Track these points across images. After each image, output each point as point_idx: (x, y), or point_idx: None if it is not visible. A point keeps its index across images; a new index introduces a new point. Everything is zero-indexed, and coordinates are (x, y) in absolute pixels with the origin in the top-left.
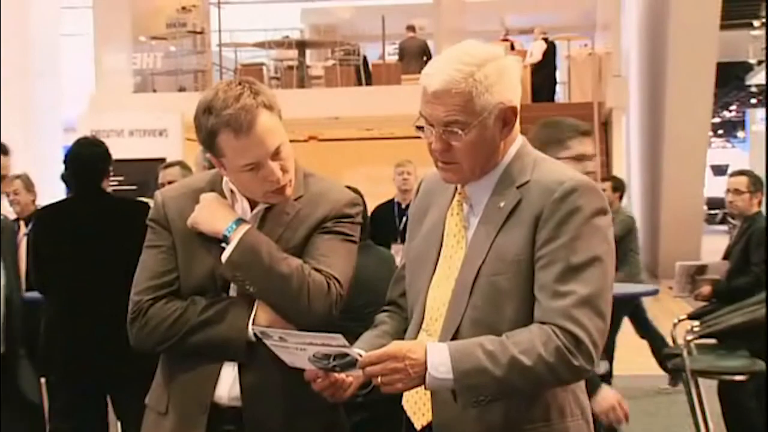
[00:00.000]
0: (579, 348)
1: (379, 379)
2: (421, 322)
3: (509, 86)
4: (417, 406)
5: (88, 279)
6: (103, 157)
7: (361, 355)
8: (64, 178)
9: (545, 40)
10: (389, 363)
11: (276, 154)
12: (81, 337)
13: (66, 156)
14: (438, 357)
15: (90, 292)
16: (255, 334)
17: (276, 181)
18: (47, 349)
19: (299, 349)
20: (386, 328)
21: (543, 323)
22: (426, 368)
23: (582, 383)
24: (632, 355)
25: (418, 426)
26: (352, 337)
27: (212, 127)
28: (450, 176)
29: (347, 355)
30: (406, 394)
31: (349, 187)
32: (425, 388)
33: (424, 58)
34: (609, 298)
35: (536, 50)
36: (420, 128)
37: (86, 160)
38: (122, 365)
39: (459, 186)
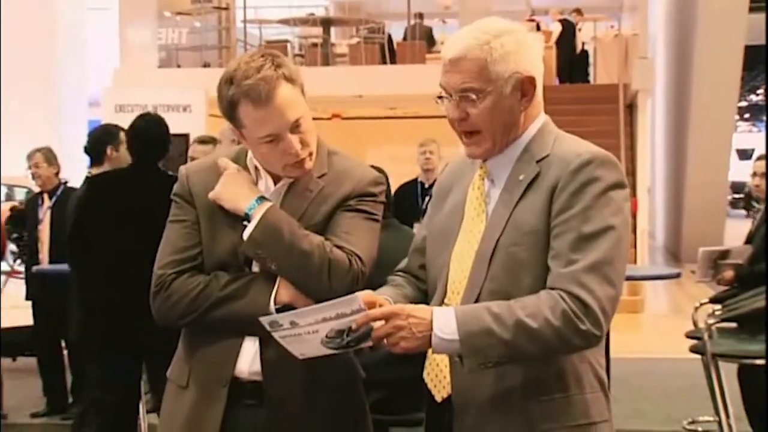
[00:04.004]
0: (586, 312)
1: (386, 340)
2: (444, 296)
3: (527, 57)
4: (438, 379)
5: (131, 250)
6: (166, 137)
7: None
8: (87, 150)
9: (561, 21)
10: (393, 320)
11: (296, 127)
12: (122, 307)
13: (130, 128)
14: (444, 319)
15: (132, 263)
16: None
17: (295, 154)
18: (86, 318)
19: (311, 333)
20: (404, 290)
21: (552, 289)
22: (432, 329)
23: (601, 357)
24: (653, 338)
25: (438, 398)
26: None
27: (232, 98)
28: (473, 150)
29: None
30: (426, 368)
31: (374, 167)
32: (432, 351)
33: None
34: (621, 267)
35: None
36: (440, 98)
37: (151, 137)
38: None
39: (481, 162)
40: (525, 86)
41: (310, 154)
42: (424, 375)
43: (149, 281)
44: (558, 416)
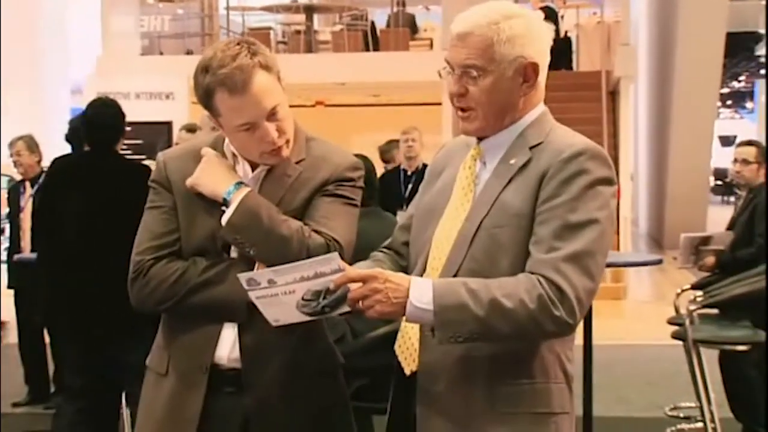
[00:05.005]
0: (562, 299)
1: (360, 303)
2: (423, 272)
3: (533, 43)
4: (408, 352)
5: (92, 236)
6: (117, 118)
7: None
8: (68, 138)
9: (543, 9)
10: (370, 283)
11: (272, 115)
12: (83, 294)
13: (80, 116)
14: (421, 288)
15: (93, 250)
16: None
17: (271, 141)
18: (52, 303)
19: (288, 293)
20: (383, 265)
21: (531, 273)
22: (407, 297)
23: (569, 350)
24: (636, 324)
25: (407, 371)
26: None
27: (208, 86)
28: (467, 125)
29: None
30: (398, 340)
31: (360, 156)
32: (405, 319)
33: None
34: (601, 261)
35: None
36: (443, 71)
37: (100, 121)
38: (123, 325)
39: (475, 143)
40: (527, 72)
41: (287, 142)
42: (395, 347)
43: (108, 264)
44: (520, 402)
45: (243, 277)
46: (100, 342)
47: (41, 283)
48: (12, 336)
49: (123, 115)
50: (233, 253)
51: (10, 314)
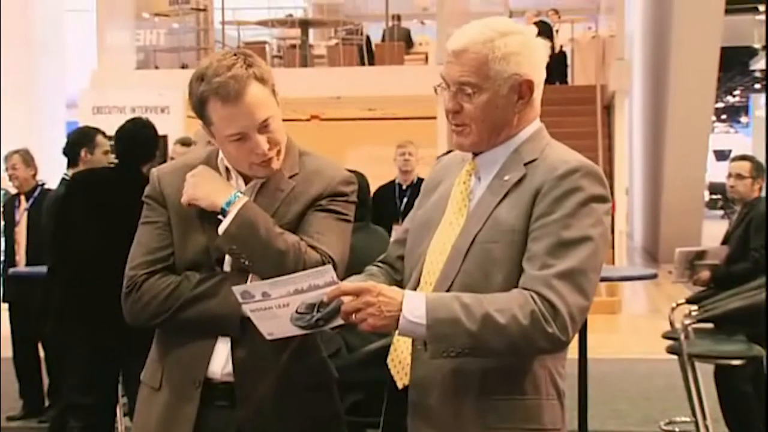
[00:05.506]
0: (555, 316)
1: (353, 316)
2: (417, 286)
3: (529, 61)
4: (401, 365)
5: (108, 251)
6: (151, 140)
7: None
8: (65, 152)
9: (538, 23)
10: (363, 296)
11: (264, 127)
12: (99, 307)
13: (117, 130)
14: (414, 302)
15: (109, 264)
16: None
17: (262, 153)
18: (64, 319)
19: (282, 306)
20: (376, 278)
21: (524, 289)
22: (400, 310)
23: (561, 367)
24: (631, 338)
25: (399, 385)
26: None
27: (202, 95)
28: (461, 140)
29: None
30: (391, 353)
31: (353, 171)
32: (397, 333)
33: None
34: (594, 278)
35: None
36: (439, 87)
37: (134, 139)
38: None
39: (470, 158)
40: (522, 89)
41: (278, 153)
42: (388, 360)
43: (122, 279)
44: (511, 418)
45: (238, 290)
46: (112, 356)
47: (50, 295)
48: (6, 350)
49: (157, 138)
50: (226, 267)
51: (3, 328)
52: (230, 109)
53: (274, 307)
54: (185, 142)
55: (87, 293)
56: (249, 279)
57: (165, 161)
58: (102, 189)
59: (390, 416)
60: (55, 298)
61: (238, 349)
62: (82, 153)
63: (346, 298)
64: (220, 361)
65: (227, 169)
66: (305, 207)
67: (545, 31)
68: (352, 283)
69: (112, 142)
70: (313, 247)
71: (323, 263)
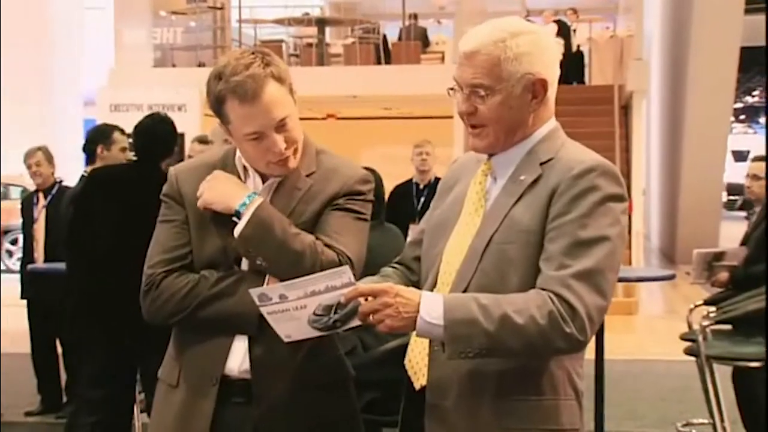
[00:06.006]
0: (573, 316)
1: (371, 317)
2: (433, 287)
3: (541, 60)
4: (418, 366)
5: (126, 245)
6: (170, 136)
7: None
8: (84, 149)
9: (557, 22)
10: (381, 297)
11: (281, 126)
12: (116, 305)
13: (135, 126)
14: (431, 303)
15: (128, 259)
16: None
17: (279, 152)
18: (79, 314)
19: (300, 308)
20: (391, 279)
21: (542, 290)
22: (418, 311)
23: (579, 366)
24: (648, 339)
25: (417, 386)
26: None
27: (219, 93)
28: (477, 142)
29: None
30: (408, 354)
31: (367, 168)
32: (415, 334)
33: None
34: (612, 278)
35: None
36: (452, 90)
37: (153, 135)
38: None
39: (486, 158)
40: (536, 88)
41: (295, 152)
42: (405, 361)
43: (140, 276)
44: (528, 418)
45: (255, 292)
46: (128, 352)
47: (68, 292)
48: (3, 346)
49: (176, 134)
50: (244, 266)
51: (22, 324)
52: (248, 108)
53: (291, 309)
54: (202, 140)
55: (103, 290)
56: (266, 277)
57: (182, 159)
58: (120, 185)
59: (407, 417)
60: (72, 295)
61: (256, 347)
62: (99, 150)
63: (363, 299)
64: (237, 358)
65: (244, 167)
66: (322, 206)
67: (563, 30)
68: (369, 284)
69: (131, 140)
70: (329, 247)
71: (340, 263)
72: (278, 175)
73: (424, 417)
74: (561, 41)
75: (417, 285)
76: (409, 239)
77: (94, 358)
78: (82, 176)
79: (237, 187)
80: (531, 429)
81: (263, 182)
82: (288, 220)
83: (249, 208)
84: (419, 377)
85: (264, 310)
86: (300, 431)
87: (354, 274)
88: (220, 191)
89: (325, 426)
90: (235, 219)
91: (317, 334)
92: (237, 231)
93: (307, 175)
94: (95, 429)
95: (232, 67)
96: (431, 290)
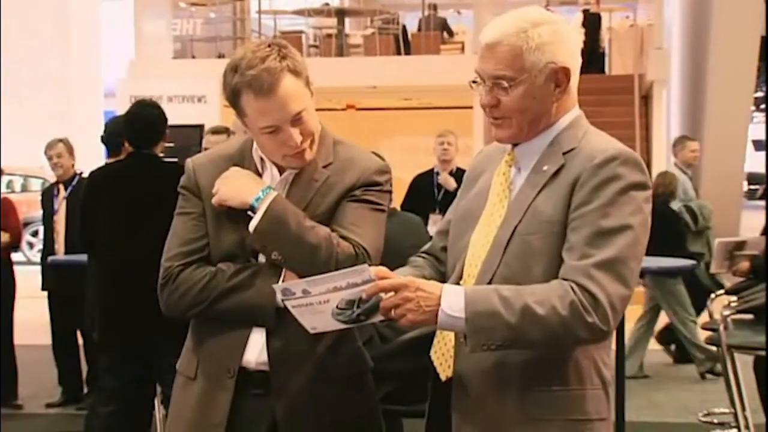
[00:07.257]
0: (596, 306)
1: (393, 311)
2: (459, 279)
3: (563, 49)
4: (444, 358)
5: (134, 241)
6: (158, 120)
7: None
8: (104, 140)
9: (584, 12)
10: (401, 292)
11: (297, 120)
12: (125, 299)
13: (121, 116)
14: (453, 296)
15: (136, 255)
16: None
17: (294, 146)
18: (93, 308)
19: (323, 302)
20: (423, 271)
21: (564, 280)
22: (439, 305)
23: (606, 356)
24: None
25: (443, 377)
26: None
27: (235, 86)
28: (500, 133)
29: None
30: (434, 346)
31: (374, 154)
32: (438, 328)
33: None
34: (635, 267)
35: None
36: (474, 83)
37: (141, 120)
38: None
39: (510, 148)
40: (559, 77)
41: (311, 144)
42: (431, 353)
43: (148, 272)
44: (554, 408)
45: (278, 287)
46: (142, 345)
47: (88, 290)
48: (24, 337)
49: (165, 117)
50: (262, 258)
51: (43, 316)
52: (263, 102)
53: (315, 303)
54: (217, 131)
55: (112, 285)
56: (283, 270)
57: (201, 151)
58: (119, 182)
59: (434, 408)
60: (88, 291)
61: (273, 339)
62: (126, 142)
63: (384, 294)
64: (255, 350)
65: (261, 159)
66: (339, 197)
67: (592, 22)
68: (390, 279)
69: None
70: (346, 239)
71: (356, 255)
72: (294, 168)
73: (451, 408)
74: (582, 30)
75: (445, 275)
76: (435, 229)
77: (109, 348)
78: None
79: (252, 181)
80: (557, 419)
81: (280, 174)
82: (303, 214)
83: (263, 202)
84: (445, 369)
85: (288, 304)
86: (320, 424)
87: (370, 266)
88: (234, 187)
89: (344, 418)
90: (250, 213)
91: (342, 326)
92: (252, 226)
93: (324, 167)
94: (112, 418)
95: (248, 60)
96: (457, 282)
